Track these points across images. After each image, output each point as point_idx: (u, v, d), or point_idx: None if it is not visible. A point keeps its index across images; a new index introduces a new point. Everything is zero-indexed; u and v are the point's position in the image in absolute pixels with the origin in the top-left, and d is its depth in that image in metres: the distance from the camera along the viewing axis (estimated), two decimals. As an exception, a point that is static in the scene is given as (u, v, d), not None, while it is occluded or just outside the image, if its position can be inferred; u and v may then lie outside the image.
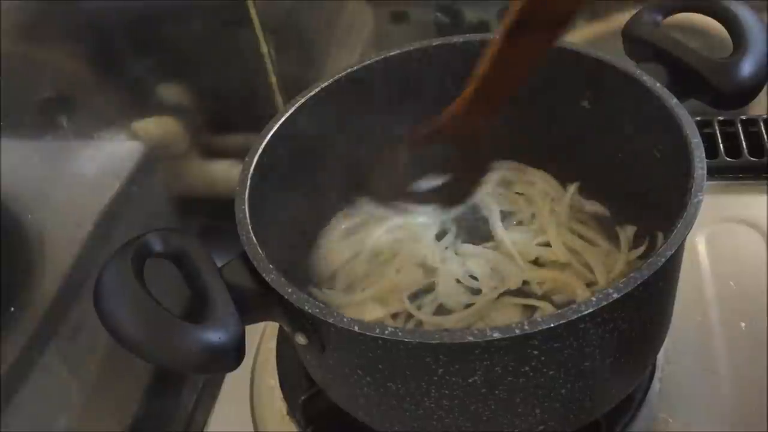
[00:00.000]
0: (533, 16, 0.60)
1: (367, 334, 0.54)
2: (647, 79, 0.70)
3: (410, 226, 0.84)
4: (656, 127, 0.68)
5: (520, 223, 0.86)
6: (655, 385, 0.77)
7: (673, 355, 0.79)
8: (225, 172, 0.99)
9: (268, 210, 0.70)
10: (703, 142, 0.63)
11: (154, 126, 0.91)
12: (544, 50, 0.63)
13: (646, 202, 0.74)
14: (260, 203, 0.67)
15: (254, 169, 0.69)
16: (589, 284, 0.78)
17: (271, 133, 0.72)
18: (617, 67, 0.72)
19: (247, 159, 0.70)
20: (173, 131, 0.94)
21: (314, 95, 0.76)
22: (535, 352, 0.56)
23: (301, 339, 0.62)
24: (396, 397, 0.61)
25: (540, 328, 0.52)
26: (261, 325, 0.81)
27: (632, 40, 0.77)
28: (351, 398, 0.67)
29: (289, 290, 0.57)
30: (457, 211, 0.84)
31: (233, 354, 0.56)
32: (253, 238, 0.62)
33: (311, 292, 0.78)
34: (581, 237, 0.83)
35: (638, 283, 0.54)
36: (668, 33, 0.75)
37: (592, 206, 0.85)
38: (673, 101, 0.67)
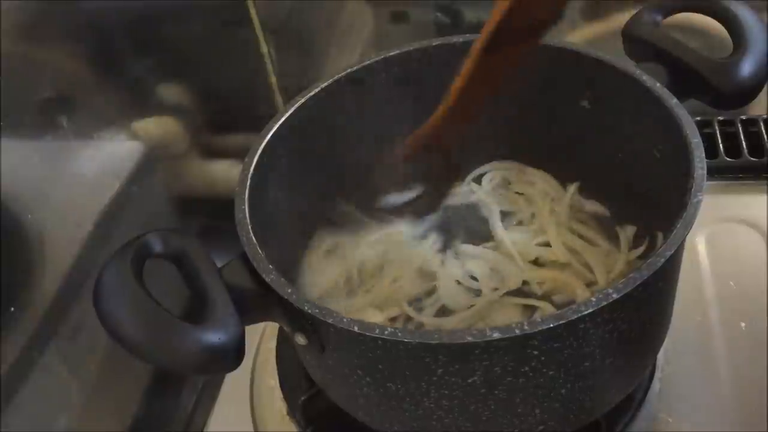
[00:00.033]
0: (510, 29, 0.61)
1: (367, 334, 0.54)
2: (647, 79, 0.70)
3: (391, 237, 0.84)
4: (656, 127, 0.69)
5: (520, 223, 0.86)
6: (655, 385, 0.77)
7: (673, 355, 0.79)
8: (225, 172, 0.99)
9: (268, 210, 0.70)
10: (703, 142, 0.63)
11: (154, 126, 0.91)
12: (519, 60, 0.64)
13: (646, 202, 0.74)
14: (260, 203, 0.67)
15: (254, 170, 0.69)
16: (589, 284, 0.78)
17: (271, 133, 0.72)
18: (617, 67, 0.72)
19: (246, 159, 0.70)
20: (173, 131, 0.94)
21: (314, 95, 0.76)
22: (535, 353, 0.56)
23: (300, 339, 0.61)
24: (396, 397, 0.61)
25: (540, 329, 0.52)
26: (261, 325, 0.81)
27: (632, 40, 0.77)
28: (351, 398, 0.67)
29: (289, 290, 0.57)
30: (431, 218, 0.84)
31: (233, 354, 0.56)
32: (253, 239, 0.62)
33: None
34: (581, 237, 0.83)
35: (638, 283, 0.54)
36: (668, 33, 0.75)
37: (592, 206, 0.85)
38: (672, 101, 0.67)
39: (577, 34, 1.05)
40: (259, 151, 0.70)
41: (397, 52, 0.79)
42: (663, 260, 0.55)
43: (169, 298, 0.58)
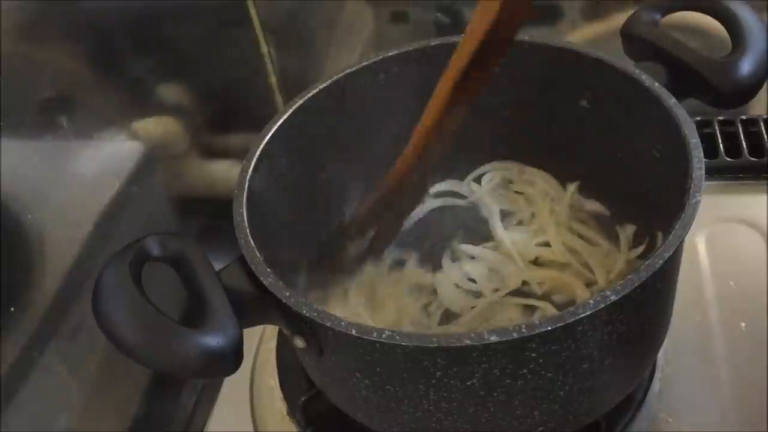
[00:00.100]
0: (480, 58, 0.61)
1: (365, 337, 0.54)
2: (646, 78, 0.70)
3: (369, 278, 0.83)
4: (655, 126, 0.68)
5: (519, 222, 0.86)
6: (655, 385, 0.77)
7: (673, 355, 0.79)
8: (225, 172, 0.99)
9: (267, 212, 0.70)
10: (702, 142, 0.63)
11: (154, 126, 0.91)
12: (485, 84, 0.65)
13: (646, 201, 0.74)
14: (259, 205, 0.67)
15: (253, 171, 0.69)
16: (589, 284, 0.79)
17: (270, 134, 0.72)
18: (616, 66, 0.72)
19: (245, 161, 0.69)
20: (173, 131, 0.94)
21: (313, 96, 0.76)
22: (533, 355, 0.56)
23: (299, 342, 0.62)
24: (394, 399, 0.61)
25: (537, 331, 0.52)
26: (260, 325, 0.82)
27: (631, 39, 0.77)
28: (350, 400, 0.67)
29: (287, 294, 0.57)
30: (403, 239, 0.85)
31: (231, 358, 0.56)
32: (251, 242, 0.62)
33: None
34: (581, 236, 0.83)
35: (636, 284, 0.54)
36: (667, 32, 0.75)
37: (592, 206, 0.85)
38: (671, 101, 0.67)
39: (577, 34, 1.05)
40: (258, 152, 0.70)
41: (397, 52, 0.79)
42: (662, 261, 0.55)
43: (168, 302, 0.58)
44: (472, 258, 0.83)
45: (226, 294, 0.58)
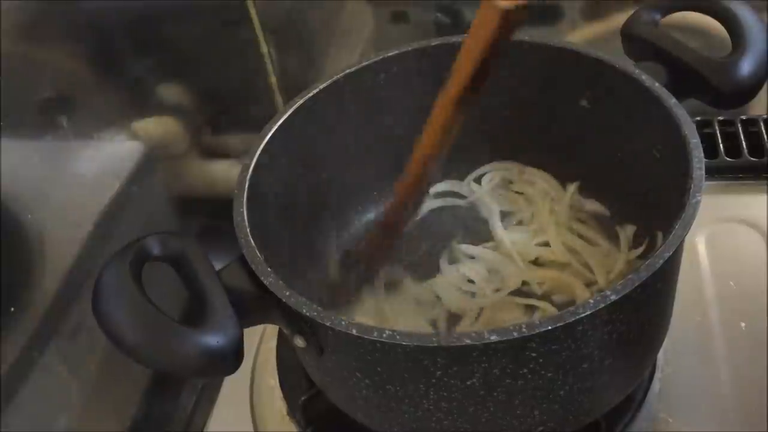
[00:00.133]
0: (480, 71, 0.61)
1: (365, 337, 0.54)
2: (646, 78, 0.70)
3: (371, 300, 0.82)
4: (655, 126, 0.68)
5: (519, 222, 0.86)
6: (655, 385, 0.77)
7: (673, 355, 0.79)
8: (225, 172, 0.99)
9: (268, 212, 0.70)
10: (703, 142, 0.63)
11: (154, 126, 0.91)
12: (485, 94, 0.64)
13: (646, 201, 0.74)
14: (259, 205, 0.67)
15: (253, 171, 0.69)
16: (589, 284, 0.79)
17: (270, 134, 0.72)
18: (616, 66, 0.72)
19: (245, 161, 0.69)
20: (173, 131, 0.94)
21: (313, 96, 0.76)
22: (533, 355, 0.56)
23: (299, 342, 0.62)
24: (395, 399, 0.61)
25: (537, 331, 0.52)
26: (261, 325, 0.82)
27: (631, 39, 0.77)
28: (350, 400, 0.67)
29: (287, 293, 0.57)
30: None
31: (231, 358, 0.56)
32: (251, 241, 0.62)
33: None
34: (581, 236, 0.83)
35: (636, 284, 0.54)
36: (667, 32, 0.75)
37: (592, 206, 0.85)
38: (671, 101, 0.67)
39: (577, 34, 1.05)
40: (258, 153, 0.70)
41: (397, 52, 0.79)
42: (662, 261, 0.55)
43: (168, 302, 0.58)
44: (472, 258, 0.83)
45: (227, 294, 0.58)
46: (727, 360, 0.78)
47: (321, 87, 0.76)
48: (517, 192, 0.88)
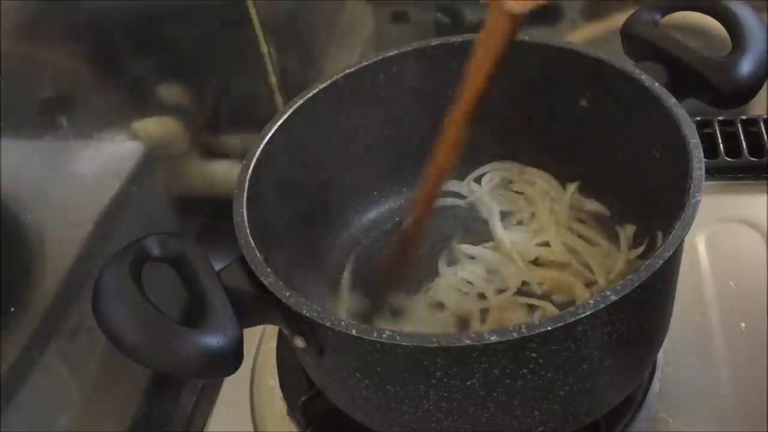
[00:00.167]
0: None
1: (365, 337, 0.54)
2: (646, 78, 0.70)
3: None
4: (655, 126, 0.68)
5: (519, 222, 0.86)
6: (655, 385, 0.77)
7: (673, 355, 0.79)
8: (225, 172, 0.99)
9: (267, 212, 0.70)
10: (703, 142, 0.63)
11: (154, 126, 0.91)
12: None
13: (646, 201, 0.74)
14: (259, 205, 0.67)
15: (252, 171, 0.69)
16: (589, 284, 0.79)
17: (270, 134, 0.72)
18: (616, 66, 0.72)
19: (245, 161, 0.69)
20: (173, 131, 0.94)
21: (313, 96, 0.76)
22: (533, 355, 0.56)
23: (299, 342, 0.62)
24: (394, 399, 0.61)
25: (537, 331, 0.52)
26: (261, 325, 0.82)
27: (631, 39, 0.77)
28: (350, 400, 0.67)
29: (287, 294, 0.57)
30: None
31: (231, 358, 0.56)
32: (251, 242, 0.62)
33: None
34: (581, 236, 0.83)
35: (636, 285, 0.54)
36: (667, 32, 0.75)
37: (592, 205, 0.85)
38: (671, 101, 0.67)
39: (577, 34, 1.05)
40: (258, 153, 0.70)
41: (397, 52, 0.79)
42: (661, 261, 0.55)
43: (168, 302, 0.58)
44: (472, 258, 0.83)
45: (226, 294, 0.58)
46: (727, 360, 0.78)
47: (321, 87, 0.77)
48: (517, 192, 0.88)
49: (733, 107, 0.74)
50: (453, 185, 0.89)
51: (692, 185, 0.59)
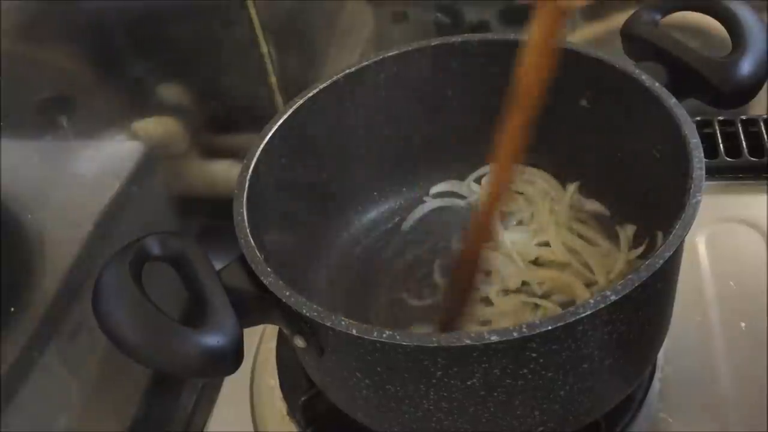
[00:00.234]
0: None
1: (365, 337, 0.54)
2: (646, 78, 0.70)
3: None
4: (655, 126, 0.68)
5: (519, 222, 0.86)
6: (655, 385, 0.77)
7: (673, 355, 0.79)
8: (225, 172, 0.99)
9: (268, 212, 0.70)
10: (703, 142, 0.63)
11: (154, 126, 0.91)
12: None
13: (646, 201, 0.74)
14: (259, 205, 0.67)
15: (252, 171, 0.69)
16: (589, 284, 0.78)
17: (270, 134, 0.72)
18: (616, 66, 0.72)
19: (245, 161, 0.69)
20: (173, 131, 0.94)
21: (313, 96, 0.76)
22: (534, 355, 0.56)
23: (299, 342, 0.62)
24: (395, 399, 0.61)
25: (538, 331, 0.52)
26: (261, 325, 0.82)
27: (631, 39, 0.77)
28: (350, 400, 0.67)
29: (287, 293, 0.57)
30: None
31: (231, 358, 0.56)
32: (251, 242, 0.62)
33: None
34: (581, 236, 0.83)
35: (636, 284, 0.54)
36: (667, 32, 0.75)
37: (592, 205, 0.85)
38: (671, 101, 0.67)
39: (577, 34, 1.05)
40: (258, 153, 0.70)
41: (397, 52, 0.79)
42: (662, 261, 0.55)
43: (168, 302, 0.58)
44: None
45: (227, 293, 0.58)
46: (727, 360, 0.78)
47: (321, 87, 0.77)
48: (517, 192, 0.88)
49: (733, 107, 0.74)
50: (453, 185, 0.89)
51: (692, 185, 0.59)
